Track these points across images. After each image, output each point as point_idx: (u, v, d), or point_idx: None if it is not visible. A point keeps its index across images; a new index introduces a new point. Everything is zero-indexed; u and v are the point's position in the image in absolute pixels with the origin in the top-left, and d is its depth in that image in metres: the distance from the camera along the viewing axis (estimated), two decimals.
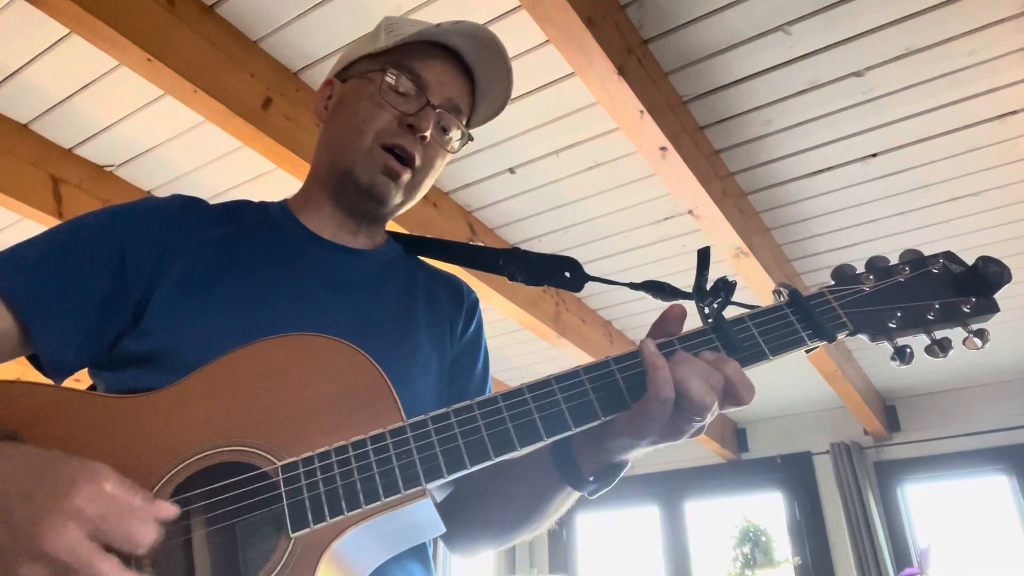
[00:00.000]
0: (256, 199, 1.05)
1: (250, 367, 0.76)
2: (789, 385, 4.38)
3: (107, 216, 0.89)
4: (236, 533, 0.70)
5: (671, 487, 4.99)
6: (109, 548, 0.57)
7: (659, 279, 1.01)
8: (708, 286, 0.85)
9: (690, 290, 0.89)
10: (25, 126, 2.38)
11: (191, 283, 0.86)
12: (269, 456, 0.71)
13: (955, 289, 0.82)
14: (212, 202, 0.99)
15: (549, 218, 2.91)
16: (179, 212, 0.93)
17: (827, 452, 4.56)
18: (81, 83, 2.20)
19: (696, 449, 4.87)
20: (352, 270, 0.99)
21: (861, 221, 2.90)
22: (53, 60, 2.11)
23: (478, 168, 2.62)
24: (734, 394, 0.74)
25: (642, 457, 0.80)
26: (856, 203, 2.79)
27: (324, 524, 0.67)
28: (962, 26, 2.01)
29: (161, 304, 0.84)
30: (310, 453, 0.71)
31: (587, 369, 0.78)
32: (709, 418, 0.73)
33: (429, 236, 1.14)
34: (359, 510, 0.68)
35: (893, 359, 0.82)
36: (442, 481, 0.71)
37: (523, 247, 1.11)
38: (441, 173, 1.05)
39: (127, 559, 0.58)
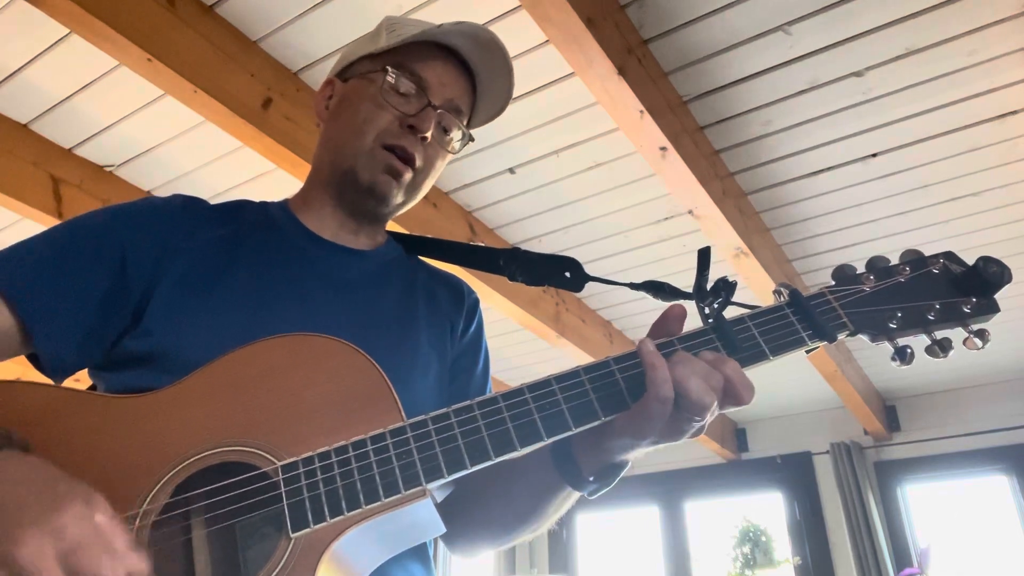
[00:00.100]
0: (256, 199, 1.05)
1: (250, 367, 0.76)
2: (789, 385, 4.38)
3: (108, 216, 0.89)
4: (236, 533, 0.70)
5: (671, 487, 4.99)
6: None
7: (659, 279, 1.01)
8: (708, 286, 0.85)
9: (690, 290, 0.89)
10: (25, 126, 2.38)
11: (191, 283, 0.86)
12: (269, 456, 0.71)
13: (955, 289, 0.82)
14: (212, 202, 0.99)
15: (549, 218, 2.91)
16: (179, 212, 0.93)
17: (827, 452, 4.56)
18: (81, 83, 2.20)
19: (696, 449, 4.87)
20: (352, 270, 0.99)
21: (861, 221, 2.90)
22: (53, 60, 2.11)
23: (478, 168, 2.61)
24: (734, 394, 0.73)
25: (642, 457, 0.80)
26: (856, 203, 2.79)
27: (324, 524, 0.67)
28: (962, 26, 2.01)
29: (161, 304, 0.84)
30: (310, 453, 0.71)
31: (587, 369, 0.78)
32: (709, 418, 0.73)
33: (429, 236, 1.14)
34: (359, 510, 0.68)
35: (894, 359, 0.82)
36: (442, 481, 0.71)
37: (523, 247, 1.11)
38: (441, 173, 1.05)
39: None
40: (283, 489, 0.69)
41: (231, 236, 0.94)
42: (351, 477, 0.69)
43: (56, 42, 2.04)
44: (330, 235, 1.00)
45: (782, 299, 0.83)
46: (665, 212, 2.86)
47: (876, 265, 0.86)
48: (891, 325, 0.81)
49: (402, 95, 0.96)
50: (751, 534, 4.90)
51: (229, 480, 0.69)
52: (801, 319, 0.80)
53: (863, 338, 0.83)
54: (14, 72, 2.15)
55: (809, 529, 4.52)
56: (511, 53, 1.02)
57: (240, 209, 1.00)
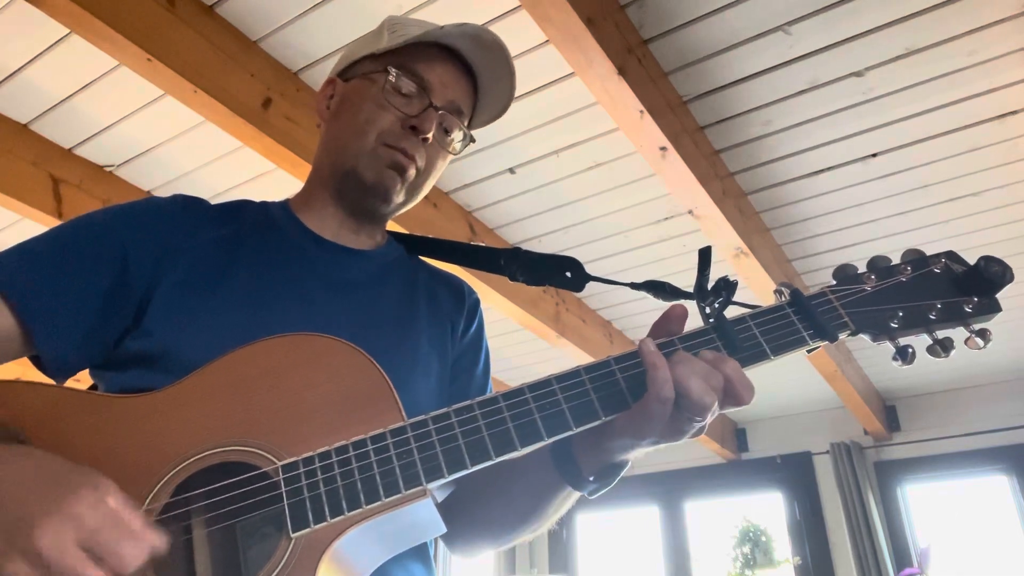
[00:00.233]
0: (256, 199, 1.05)
1: (251, 367, 0.76)
2: (789, 385, 4.38)
3: (108, 216, 0.89)
4: (237, 533, 0.70)
5: (671, 487, 4.99)
6: (96, 561, 0.57)
7: (659, 279, 1.01)
8: (709, 286, 0.84)
9: (691, 290, 0.89)
10: (25, 126, 2.38)
11: (192, 283, 0.86)
12: (269, 456, 0.71)
13: (957, 289, 0.82)
14: (213, 202, 0.99)
15: (549, 218, 2.91)
16: (180, 212, 0.93)
17: (827, 452, 4.56)
18: (81, 83, 2.20)
19: (696, 449, 4.87)
20: (353, 270, 0.98)
21: (861, 221, 2.90)
22: (53, 60, 2.11)
23: (478, 168, 2.61)
24: (734, 394, 0.73)
25: (642, 457, 0.80)
26: (856, 203, 2.79)
27: (325, 524, 0.67)
28: (962, 26, 2.01)
29: (162, 304, 0.84)
30: (310, 453, 0.71)
31: (588, 369, 0.78)
32: (709, 418, 0.73)
33: (430, 236, 1.14)
34: (360, 510, 0.68)
35: (895, 359, 0.82)
36: (443, 481, 0.71)
37: (523, 247, 1.11)
38: (441, 173, 1.05)
39: None
40: (283, 489, 0.69)
41: (232, 236, 0.94)
42: (351, 477, 0.69)
43: (56, 42, 2.04)
44: (331, 235, 1.00)
45: (783, 299, 0.83)
46: (665, 212, 2.86)
47: (877, 265, 0.86)
48: (892, 325, 0.81)
49: (404, 96, 0.96)
50: (751, 534, 4.90)
51: (229, 480, 0.69)
52: (802, 319, 0.80)
53: (864, 338, 0.83)
54: (14, 72, 2.15)
55: (809, 529, 4.52)
56: (511, 53, 1.02)
57: (241, 209, 1.00)
